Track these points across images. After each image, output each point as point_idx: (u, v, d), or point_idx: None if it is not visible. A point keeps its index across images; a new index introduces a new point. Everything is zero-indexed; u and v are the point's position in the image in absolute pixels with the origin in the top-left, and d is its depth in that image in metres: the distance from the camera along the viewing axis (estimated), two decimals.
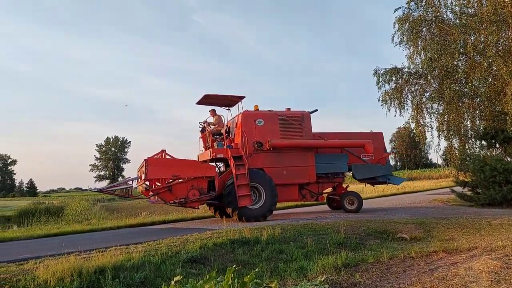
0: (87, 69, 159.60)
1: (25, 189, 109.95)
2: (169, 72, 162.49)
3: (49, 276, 5.44)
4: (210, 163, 12.59)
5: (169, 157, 12.26)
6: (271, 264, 7.01)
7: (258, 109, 13.24)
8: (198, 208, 14.27)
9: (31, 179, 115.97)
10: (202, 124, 13.69)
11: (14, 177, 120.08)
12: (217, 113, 13.93)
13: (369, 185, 16.13)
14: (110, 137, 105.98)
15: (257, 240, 8.11)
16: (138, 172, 13.19)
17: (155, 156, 12.00)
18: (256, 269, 5.25)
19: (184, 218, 14.57)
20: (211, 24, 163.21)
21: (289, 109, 13.84)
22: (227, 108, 14.24)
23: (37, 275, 5.51)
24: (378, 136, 15.23)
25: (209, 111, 13.78)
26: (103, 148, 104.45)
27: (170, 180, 11.75)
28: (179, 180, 11.52)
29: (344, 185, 15.07)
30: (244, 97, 13.32)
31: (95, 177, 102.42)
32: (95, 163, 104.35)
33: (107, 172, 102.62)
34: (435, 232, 9.42)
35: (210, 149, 12.57)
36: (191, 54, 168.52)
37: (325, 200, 15.60)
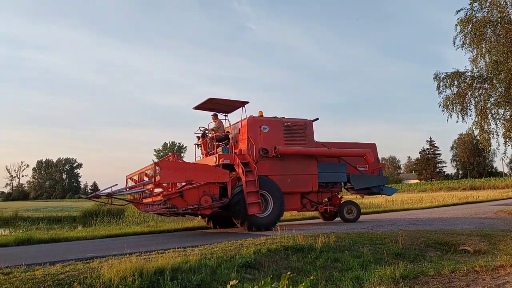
0: (150, 77, 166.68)
1: (89, 191, 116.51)
2: (223, 79, 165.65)
3: (113, 275, 5.72)
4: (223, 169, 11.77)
5: (180, 161, 11.99)
6: (325, 273, 6.93)
7: (262, 115, 12.99)
8: (209, 216, 13.22)
9: (94, 181, 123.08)
10: (203, 129, 13.31)
11: (79, 179, 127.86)
12: (218, 119, 13.56)
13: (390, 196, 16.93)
14: (167, 143, 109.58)
15: (311, 248, 8.04)
16: (127, 178, 13.18)
17: (168, 160, 11.63)
18: (311, 277, 5.22)
19: None
20: (264, 31, 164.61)
21: (283, 117, 13.45)
22: (224, 114, 13.90)
23: (102, 273, 5.81)
24: (372, 147, 15.22)
25: (211, 115, 13.44)
26: (161, 153, 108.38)
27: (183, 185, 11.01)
28: (190, 186, 10.75)
29: (339, 196, 14.96)
30: (248, 102, 12.94)
31: None
32: None
33: None
34: (501, 245, 8.85)
35: (216, 155, 12.03)
36: (245, 61, 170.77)
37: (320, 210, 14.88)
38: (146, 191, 11.82)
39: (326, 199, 14.44)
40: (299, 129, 13.23)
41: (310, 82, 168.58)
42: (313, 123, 13.74)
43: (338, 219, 14.67)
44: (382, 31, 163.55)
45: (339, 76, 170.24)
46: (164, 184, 11.13)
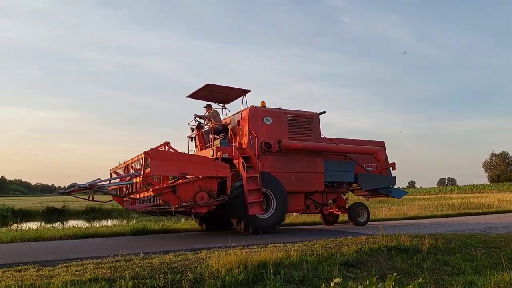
0: (246, 78, 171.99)
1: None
2: (314, 76, 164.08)
3: (220, 266, 6.04)
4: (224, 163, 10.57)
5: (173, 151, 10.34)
6: (434, 276, 6.55)
7: (265, 106, 11.91)
8: (204, 215, 11.78)
9: None
10: (199, 119, 12.16)
11: None
12: (213, 109, 12.44)
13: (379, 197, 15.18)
14: None
15: (417, 249, 7.66)
16: (111, 171, 11.78)
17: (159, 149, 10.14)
18: (419, 279, 4.99)
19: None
20: (358, 23, 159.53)
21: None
22: (221, 104, 12.81)
23: (210, 264, 6.17)
24: (380, 145, 14.15)
25: (204, 106, 12.28)
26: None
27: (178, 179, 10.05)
28: (184, 180, 9.76)
29: (344, 197, 14.01)
30: (249, 91, 11.77)
31: None
32: None
33: None
34: None
35: (213, 148, 11.02)
36: (337, 56, 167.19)
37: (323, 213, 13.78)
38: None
39: (331, 201, 13.57)
40: (305, 122, 12.19)
41: (407, 75, 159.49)
42: (320, 116, 12.66)
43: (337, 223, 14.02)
44: (491, 16, 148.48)
45: (439, 67, 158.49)
46: (153, 178, 9.71)
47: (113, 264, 6.29)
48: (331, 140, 12.64)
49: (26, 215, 25.41)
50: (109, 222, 20.97)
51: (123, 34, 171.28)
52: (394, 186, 14.23)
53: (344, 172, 12.75)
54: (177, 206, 9.34)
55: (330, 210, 13.35)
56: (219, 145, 11.32)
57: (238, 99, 12.20)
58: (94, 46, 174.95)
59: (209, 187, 9.64)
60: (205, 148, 12.00)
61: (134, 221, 18.77)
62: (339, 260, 6.85)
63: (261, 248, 7.62)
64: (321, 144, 12.20)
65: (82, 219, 25.71)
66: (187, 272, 5.81)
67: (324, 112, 12.81)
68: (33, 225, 18.13)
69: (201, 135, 12.26)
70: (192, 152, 12.43)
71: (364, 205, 13.64)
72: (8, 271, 5.80)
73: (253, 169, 10.49)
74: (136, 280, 5.48)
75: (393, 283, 4.33)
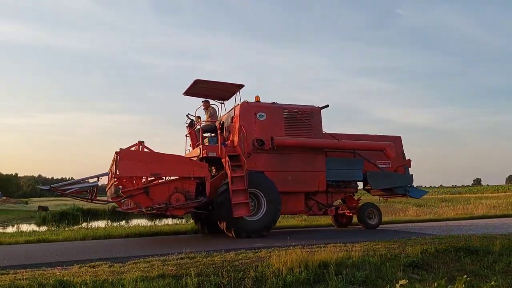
0: (291, 75, 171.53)
1: None
2: (370, 71, 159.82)
3: (281, 265, 6.08)
4: (202, 162, 10.10)
5: (147, 151, 9.84)
6: (507, 279, 6.19)
7: (259, 101, 11.15)
8: (182, 218, 11.83)
9: None
10: (191, 117, 11.51)
11: None
12: (211, 105, 11.79)
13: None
14: None
15: (488, 250, 7.26)
16: (109, 170, 10.70)
17: (131, 149, 9.65)
18: (492, 282, 4.72)
19: (397, 220, 14.14)
20: (415, 15, 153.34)
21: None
22: (220, 101, 12.19)
23: (271, 263, 6.22)
24: (397, 140, 12.87)
25: (202, 102, 11.65)
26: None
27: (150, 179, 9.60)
28: (159, 181, 9.38)
29: (356, 197, 12.85)
30: (243, 85, 11.10)
31: None
32: None
33: None
34: None
35: (200, 147, 10.51)
36: (393, 50, 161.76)
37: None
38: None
39: (340, 201, 12.80)
40: (304, 117, 11.25)
41: (470, 67, 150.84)
42: (322, 111, 11.69)
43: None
44: None
45: (506, 57, 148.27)
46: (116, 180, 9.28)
47: (177, 261, 6.53)
48: (332, 136, 11.55)
49: (94, 215, 26.92)
50: (170, 221, 21.74)
51: (180, 38, 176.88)
52: (412, 185, 12.82)
53: (351, 170, 11.69)
54: (148, 208, 8.97)
55: (341, 212, 12.70)
56: (207, 144, 10.81)
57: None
58: (153, 51, 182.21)
59: (186, 188, 9.20)
60: (196, 147, 11.39)
61: (192, 220, 19.27)
62: (403, 261, 6.66)
63: (321, 248, 7.56)
64: (319, 140, 11.18)
65: (145, 218, 26.81)
66: (249, 271, 5.90)
67: (327, 106, 11.78)
68: (101, 223, 19.22)
69: (193, 134, 11.52)
70: (188, 151, 11.88)
71: (375, 205, 12.66)
72: (83, 267, 6.21)
73: (240, 168, 9.85)
74: (200, 277, 5.66)
75: (463, 286, 4.15)
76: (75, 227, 15.64)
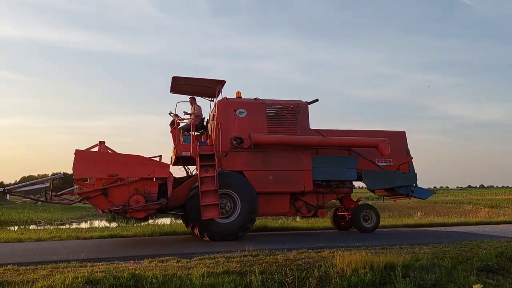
0: (354, 73, 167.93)
1: None
2: (434, 65, 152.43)
3: (345, 265, 5.98)
4: (164, 162, 9.84)
5: (105, 151, 9.50)
6: None
7: (240, 97, 10.63)
8: (146, 220, 11.27)
9: None
10: (172, 116, 10.88)
11: None
12: (197, 103, 11.17)
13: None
14: None
15: None
16: None
17: (92, 150, 9.35)
18: None
19: (467, 222, 13.39)
20: (483, 4, 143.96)
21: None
22: (210, 99, 11.48)
23: (334, 263, 6.15)
24: (399, 136, 11.78)
25: (189, 99, 11.16)
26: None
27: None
28: (120, 182, 9.04)
29: (355, 199, 11.92)
30: (224, 81, 10.61)
31: None
32: None
33: None
34: None
35: (174, 146, 10.26)
36: (459, 43, 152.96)
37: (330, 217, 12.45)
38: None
39: (338, 202, 11.96)
40: (289, 113, 10.59)
41: None
42: (309, 106, 10.93)
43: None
44: None
45: None
46: (85, 180, 9.22)
47: (241, 258, 6.65)
48: (318, 132, 10.68)
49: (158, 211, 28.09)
50: None
51: (236, 39, 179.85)
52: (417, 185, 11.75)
53: (342, 169, 10.86)
54: (106, 210, 8.88)
55: (341, 214, 12.02)
56: (183, 143, 10.43)
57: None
58: (211, 53, 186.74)
59: (148, 189, 8.93)
60: None
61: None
62: (476, 264, 6.30)
63: (385, 249, 7.36)
64: (301, 137, 10.44)
65: None
66: (313, 270, 5.87)
67: (316, 100, 11.08)
68: (167, 220, 20.01)
69: (174, 133, 10.85)
70: None
71: (372, 207, 11.71)
72: (153, 261, 6.51)
73: (212, 168, 9.47)
74: (264, 275, 5.72)
75: None
76: (144, 223, 16.40)
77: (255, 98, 10.66)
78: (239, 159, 10.05)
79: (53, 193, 9.54)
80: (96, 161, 8.87)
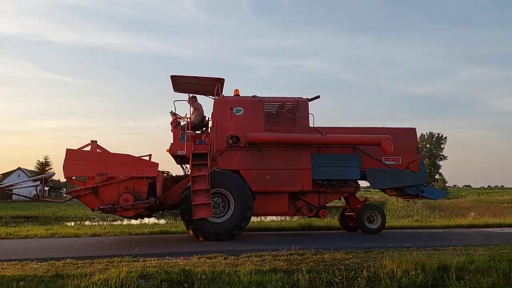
0: (400, 68, 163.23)
1: None
2: (488, 58, 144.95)
3: (395, 266, 5.84)
4: (153, 161, 9.70)
5: (96, 151, 9.44)
6: None
7: (238, 95, 10.43)
8: (136, 218, 10.92)
9: None
10: (172, 114, 10.69)
11: None
12: (199, 101, 10.92)
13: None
14: (425, 134, 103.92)
15: None
16: None
17: (83, 149, 9.38)
18: None
19: None
20: None
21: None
22: (212, 97, 10.95)
23: (384, 264, 6.01)
24: (409, 133, 11.21)
25: (190, 97, 10.88)
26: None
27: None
28: (111, 181, 9.12)
29: (362, 199, 11.51)
30: (223, 79, 10.40)
31: None
32: None
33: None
34: None
35: (170, 145, 10.13)
36: None
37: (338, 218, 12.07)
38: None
39: (344, 201, 11.58)
40: (288, 111, 10.34)
41: None
42: (310, 103, 10.55)
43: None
44: None
45: None
46: (79, 179, 9.46)
47: (288, 257, 6.67)
48: (317, 130, 10.36)
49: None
50: (275, 218, 22.23)
51: (281, 38, 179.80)
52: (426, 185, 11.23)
53: (343, 168, 10.48)
54: (95, 209, 8.98)
55: (348, 214, 11.55)
56: (178, 142, 10.29)
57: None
58: (255, 52, 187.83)
59: (138, 188, 8.99)
60: None
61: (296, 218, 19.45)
62: None
63: (438, 250, 7.12)
64: (297, 136, 10.19)
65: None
66: (362, 270, 5.79)
67: (318, 97, 10.75)
68: None
69: (175, 131, 10.69)
70: None
71: (377, 207, 11.20)
72: (201, 257, 6.67)
73: (205, 167, 9.33)
74: (311, 274, 5.71)
75: None
76: None
77: (253, 96, 10.53)
78: (235, 158, 9.98)
79: (45, 190, 9.90)
80: (86, 160, 9.06)
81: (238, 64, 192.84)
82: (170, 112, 10.54)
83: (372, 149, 10.68)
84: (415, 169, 10.96)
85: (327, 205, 10.80)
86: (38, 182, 9.61)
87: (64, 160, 8.91)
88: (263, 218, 16.82)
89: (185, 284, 5.35)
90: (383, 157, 10.77)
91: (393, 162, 10.90)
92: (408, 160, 10.97)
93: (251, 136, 9.85)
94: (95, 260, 6.51)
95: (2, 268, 6.00)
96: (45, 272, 5.72)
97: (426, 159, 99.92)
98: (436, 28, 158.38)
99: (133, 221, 14.64)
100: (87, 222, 21.07)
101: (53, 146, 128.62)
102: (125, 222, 15.92)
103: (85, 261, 6.47)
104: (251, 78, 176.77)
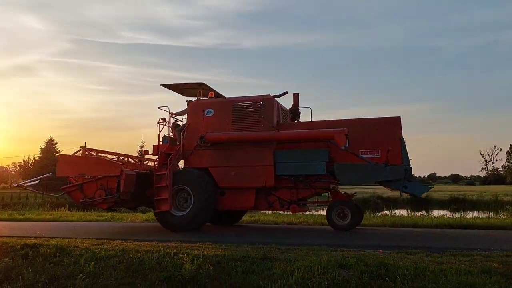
0: None
1: None
2: None
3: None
4: (117, 162, 11.35)
5: (87, 154, 11.13)
6: None
7: (213, 97, 11.22)
8: (110, 211, 13.17)
9: None
10: (173, 118, 11.61)
11: None
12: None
13: None
14: None
15: None
16: None
17: (75, 154, 11.07)
18: None
19: None
20: None
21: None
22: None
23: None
24: (391, 122, 9.88)
25: (187, 101, 11.54)
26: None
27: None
28: (93, 179, 10.50)
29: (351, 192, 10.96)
30: (203, 84, 11.21)
31: None
32: None
33: None
34: None
35: (154, 145, 11.45)
36: None
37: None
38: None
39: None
40: (253, 109, 10.68)
41: None
42: (278, 99, 10.79)
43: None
44: None
45: None
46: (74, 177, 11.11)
47: (503, 258, 5.97)
48: (274, 127, 10.34)
49: (393, 203, 27.40)
50: (480, 214, 19.99)
51: (476, 13, 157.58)
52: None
53: (307, 163, 9.93)
54: (80, 201, 10.65)
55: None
56: (161, 143, 11.15)
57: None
58: (443, 33, 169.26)
59: (110, 185, 10.25)
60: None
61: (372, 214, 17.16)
62: None
63: None
64: (250, 134, 10.37)
65: (447, 209, 25.47)
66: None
67: (285, 93, 10.78)
68: (403, 212, 19.53)
69: (175, 134, 11.49)
70: None
71: (350, 203, 10.16)
72: (400, 253, 6.51)
73: (166, 166, 10.29)
74: None
75: None
76: (375, 214, 16.46)
77: (223, 97, 11.29)
78: (205, 157, 10.71)
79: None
80: (71, 163, 10.91)
81: (424, 46, 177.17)
82: (172, 115, 11.49)
83: (351, 143, 9.74)
84: (396, 162, 9.69)
85: (308, 200, 10.85)
86: (38, 181, 12.15)
87: (57, 163, 11.02)
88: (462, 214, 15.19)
89: (387, 278, 5.28)
90: (360, 151, 9.92)
91: (371, 156, 9.93)
92: (390, 153, 9.76)
93: (209, 136, 10.58)
94: (296, 247, 7.05)
95: (213, 248, 7.01)
96: (255, 254, 6.46)
97: None
98: None
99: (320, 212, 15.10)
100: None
101: None
102: (320, 212, 16.58)
103: (289, 247, 7.06)
104: (434, 61, 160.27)
